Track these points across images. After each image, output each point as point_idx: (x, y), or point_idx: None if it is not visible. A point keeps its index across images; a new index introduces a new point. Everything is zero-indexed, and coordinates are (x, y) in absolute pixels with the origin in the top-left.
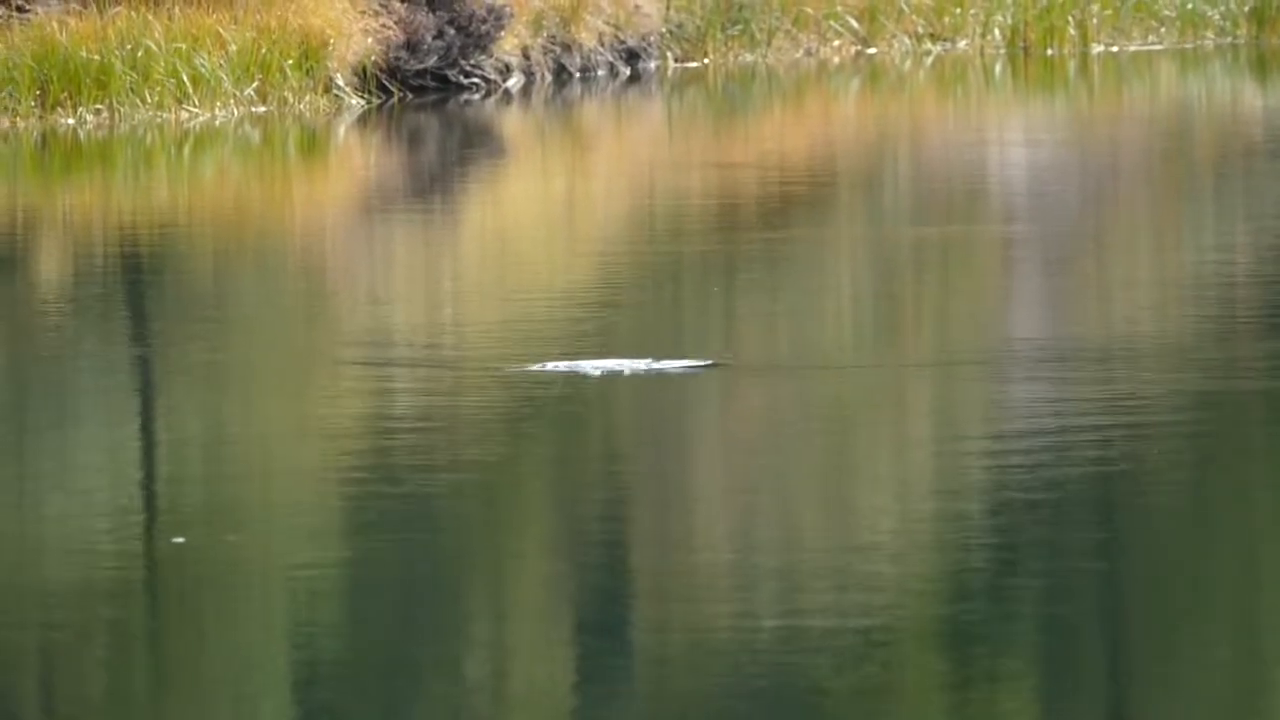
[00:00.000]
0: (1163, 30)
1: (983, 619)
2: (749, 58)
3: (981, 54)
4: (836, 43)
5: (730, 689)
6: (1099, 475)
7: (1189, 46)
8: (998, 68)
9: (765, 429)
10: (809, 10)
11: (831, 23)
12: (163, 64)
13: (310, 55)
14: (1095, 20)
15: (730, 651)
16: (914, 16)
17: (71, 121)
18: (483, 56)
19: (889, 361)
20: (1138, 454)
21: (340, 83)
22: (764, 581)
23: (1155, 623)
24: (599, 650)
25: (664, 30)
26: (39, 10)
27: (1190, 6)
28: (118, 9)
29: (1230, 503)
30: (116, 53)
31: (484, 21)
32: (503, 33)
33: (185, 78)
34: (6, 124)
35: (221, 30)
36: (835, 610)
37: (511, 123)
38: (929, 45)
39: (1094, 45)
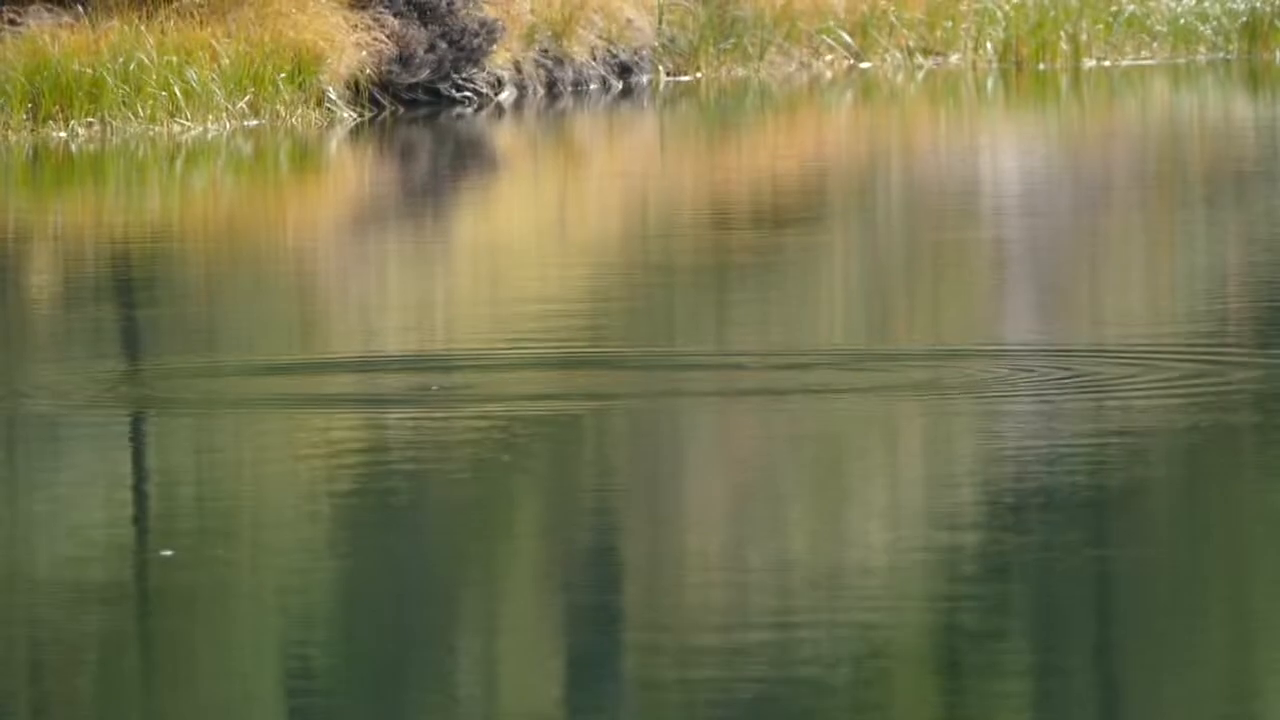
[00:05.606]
0: (1155, 45)
1: (980, 639)
2: (742, 72)
3: (974, 68)
4: (829, 57)
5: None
6: (1100, 493)
7: (1181, 61)
8: (990, 82)
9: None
10: (802, 25)
11: (824, 37)
12: (155, 77)
13: (303, 69)
14: (1087, 35)
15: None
16: (906, 31)
17: (63, 134)
18: (475, 70)
19: (880, 379)
20: (1151, 473)
21: (333, 96)
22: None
23: (1150, 641)
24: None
25: (656, 44)
26: (31, 23)
27: (1182, 22)
28: (110, 22)
29: (1232, 528)
30: (109, 66)
31: (476, 35)
32: (495, 46)
33: (177, 91)
34: None
35: (214, 43)
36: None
37: (504, 136)
38: (921, 59)
39: (1086, 60)
